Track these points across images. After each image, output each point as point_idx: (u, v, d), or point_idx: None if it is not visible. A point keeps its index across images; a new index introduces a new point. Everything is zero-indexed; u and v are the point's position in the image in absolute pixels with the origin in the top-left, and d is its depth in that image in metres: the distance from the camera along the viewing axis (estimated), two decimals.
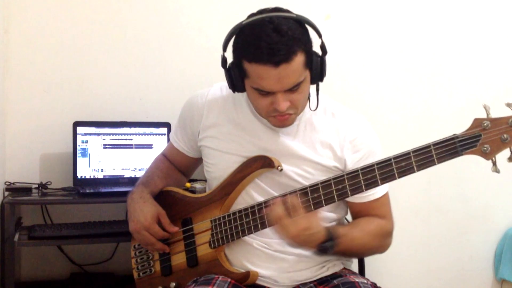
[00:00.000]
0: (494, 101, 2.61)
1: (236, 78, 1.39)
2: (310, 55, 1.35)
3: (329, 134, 1.49)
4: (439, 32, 2.58)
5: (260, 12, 1.35)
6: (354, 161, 1.48)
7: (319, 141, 1.48)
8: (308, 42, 1.35)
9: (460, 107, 2.59)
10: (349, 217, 1.62)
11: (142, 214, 1.53)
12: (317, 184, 1.37)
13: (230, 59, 1.40)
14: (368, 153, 1.49)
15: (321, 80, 1.41)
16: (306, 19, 1.36)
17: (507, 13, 2.65)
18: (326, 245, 1.34)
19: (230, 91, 1.54)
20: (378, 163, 1.30)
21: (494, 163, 1.23)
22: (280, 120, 1.41)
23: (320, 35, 1.38)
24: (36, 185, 2.06)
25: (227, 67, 1.41)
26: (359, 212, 1.51)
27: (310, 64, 1.36)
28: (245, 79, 1.38)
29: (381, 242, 1.49)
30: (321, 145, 1.48)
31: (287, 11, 1.35)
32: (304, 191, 1.38)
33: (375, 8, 2.51)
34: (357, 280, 1.42)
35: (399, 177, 1.29)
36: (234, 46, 1.37)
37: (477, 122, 1.23)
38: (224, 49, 1.40)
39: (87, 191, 1.98)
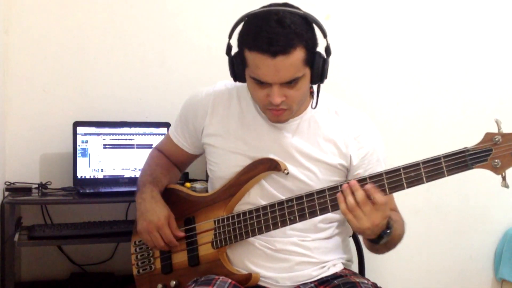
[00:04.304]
0: (496, 104, 2.61)
1: (237, 66, 1.40)
2: (312, 53, 1.35)
3: (333, 131, 1.49)
4: (442, 32, 2.57)
5: (270, 5, 1.36)
6: (359, 158, 1.48)
7: (323, 137, 1.49)
8: (311, 39, 1.35)
9: (463, 108, 2.59)
10: None
11: (155, 214, 1.52)
12: (324, 190, 1.36)
13: (235, 49, 1.41)
14: (372, 149, 1.50)
15: (322, 81, 1.41)
16: (313, 18, 1.36)
17: None
18: (386, 233, 1.33)
19: (235, 87, 1.55)
20: (387, 172, 1.29)
21: (504, 178, 1.23)
22: (275, 114, 1.41)
23: (325, 36, 1.38)
24: (36, 185, 2.06)
25: (231, 55, 1.42)
26: None
27: (311, 62, 1.36)
28: (245, 69, 1.38)
29: (404, 233, 1.50)
30: (324, 141, 1.48)
31: (297, 8, 1.36)
32: (311, 198, 1.37)
33: (375, 8, 2.51)
34: (357, 280, 1.43)
35: (407, 187, 1.28)
36: (238, 34, 1.38)
37: (489, 137, 1.23)
38: (230, 36, 1.41)
39: (87, 191, 1.98)
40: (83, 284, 2.15)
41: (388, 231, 1.34)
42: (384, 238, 1.34)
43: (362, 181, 1.31)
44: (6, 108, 2.15)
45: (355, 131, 1.50)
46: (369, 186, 1.28)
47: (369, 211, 1.27)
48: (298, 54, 1.31)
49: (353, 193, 1.28)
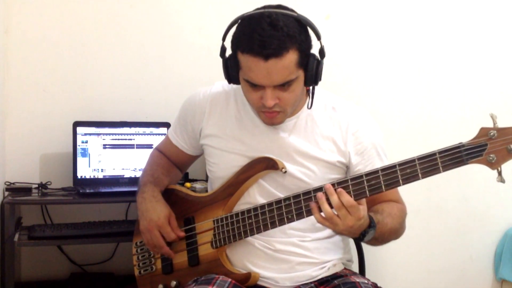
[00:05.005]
0: (494, 101, 2.61)
1: (231, 68, 1.40)
2: (305, 55, 1.35)
3: (331, 128, 1.49)
4: (441, 32, 2.58)
5: (264, 7, 1.36)
6: (358, 154, 1.48)
7: (321, 135, 1.48)
8: (305, 42, 1.34)
9: (461, 108, 2.59)
10: None
11: (155, 213, 1.52)
12: (321, 188, 1.35)
13: (229, 51, 1.41)
14: (371, 145, 1.49)
15: (316, 83, 1.41)
16: (307, 20, 1.36)
17: None
18: (368, 231, 1.32)
19: (232, 88, 1.55)
20: (382, 169, 1.28)
21: (500, 173, 1.21)
22: (268, 117, 1.42)
23: (319, 38, 1.38)
24: (36, 185, 2.06)
25: (225, 57, 1.42)
26: (376, 199, 1.46)
27: (305, 64, 1.35)
28: (239, 71, 1.39)
29: (403, 225, 1.49)
30: (322, 138, 1.48)
31: (291, 10, 1.36)
32: (308, 196, 1.36)
33: (375, 8, 2.52)
34: (357, 280, 1.42)
35: (403, 184, 1.27)
36: (232, 36, 1.38)
37: (484, 131, 1.21)
38: (223, 38, 1.41)
39: (87, 191, 1.99)
40: (83, 284, 2.15)
41: (371, 229, 1.33)
42: (366, 236, 1.33)
43: (341, 182, 1.30)
44: (6, 108, 2.15)
45: (353, 126, 1.49)
46: (338, 189, 1.28)
47: (343, 215, 1.27)
48: (291, 57, 1.31)
49: (328, 199, 1.28)
